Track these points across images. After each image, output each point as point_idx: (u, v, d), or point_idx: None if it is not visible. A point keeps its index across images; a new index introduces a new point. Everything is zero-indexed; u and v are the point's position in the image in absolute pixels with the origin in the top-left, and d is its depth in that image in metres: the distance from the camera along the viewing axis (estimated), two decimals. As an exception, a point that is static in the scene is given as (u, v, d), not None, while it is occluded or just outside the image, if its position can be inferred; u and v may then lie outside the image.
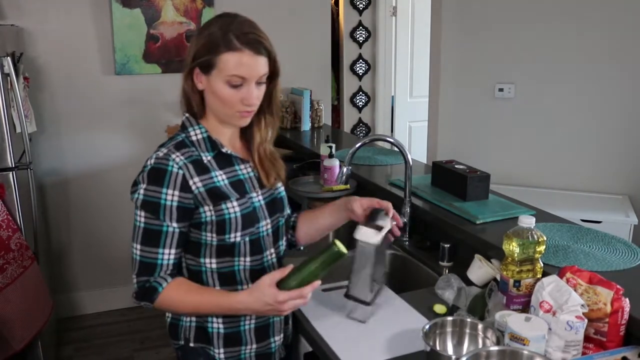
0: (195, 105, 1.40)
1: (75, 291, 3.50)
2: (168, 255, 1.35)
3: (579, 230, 1.73)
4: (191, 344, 1.43)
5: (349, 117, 4.71)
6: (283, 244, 1.53)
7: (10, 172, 2.43)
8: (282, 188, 1.55)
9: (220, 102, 1.35)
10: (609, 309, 1.23)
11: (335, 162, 2.43)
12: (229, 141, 1.45)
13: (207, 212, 1.35)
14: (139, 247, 1.34)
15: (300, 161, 2.86)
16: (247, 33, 1.32)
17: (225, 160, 1.41)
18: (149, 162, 1.35)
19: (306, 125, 3.48)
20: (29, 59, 3.10)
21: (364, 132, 4.76)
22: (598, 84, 3.15)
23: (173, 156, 1.34)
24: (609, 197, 3.15)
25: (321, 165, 2.49)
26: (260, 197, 1.44)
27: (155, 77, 3.41)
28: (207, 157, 1.38)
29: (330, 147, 2.46)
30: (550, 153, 3.33)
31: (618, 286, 1.25)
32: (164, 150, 1.36)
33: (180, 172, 1.32)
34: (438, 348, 1.32)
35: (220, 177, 1.38)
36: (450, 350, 1.35)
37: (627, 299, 1.24)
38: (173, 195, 1.32)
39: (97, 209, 3.45)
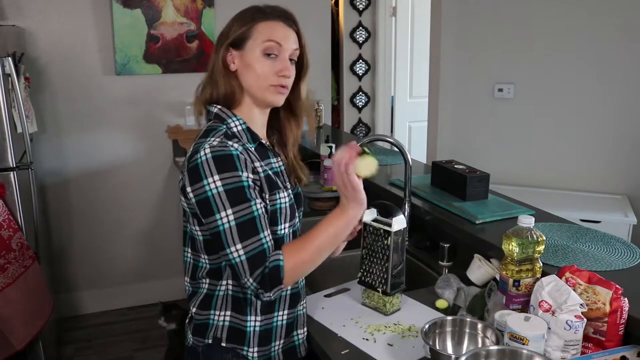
0: (229, 91, 1.33)
1: (75, 291, 3.51)
2: (269, 236, 1.25)
3: (578, 230, 1.73)
4: (223, 344, 1.34)
5: (349, 117, 4.71)
6: None
7: (11, 172, 2.44)
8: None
9: (255, 76, 1.30)
10: (608, 308, 1.23)
11: (336, 162, 2.43)
12: (261, 133, 1.39)
13: (264, 200, 1.29)
14: (239, 246, 1.21)
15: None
16: (279, 8, 1.36)
17: (263, 152, 1.36)
18: (203, 154, 1.22)
19: (306, 125, 3.49)
20: (29, 59, 3.11)
21: (364, 132, 4.76)
22: (597, 84, 3.16)
23: (230, 142, 1.25)
24: (608, 197, 3.15)
25: (321, 165, 2.50)
26: (290, 192, 1.39)
27: (156, 78, 3.41)
28: (251, 148, 1.32)
29: (330, 147, 2.46)
30: (549, 153, 3.33)
31: (617, 286, 1.25)
32: (216, 139, 1.26)
33: (243, 156, 1.25)
34: (438, 348, 1.32)
35: (266, 167, 1.33)
36: (449, 349, 1.35)
37: (626, 299, 1.24)
38: (249, 177, 1.24)
39: (98, 209, 3.46)
